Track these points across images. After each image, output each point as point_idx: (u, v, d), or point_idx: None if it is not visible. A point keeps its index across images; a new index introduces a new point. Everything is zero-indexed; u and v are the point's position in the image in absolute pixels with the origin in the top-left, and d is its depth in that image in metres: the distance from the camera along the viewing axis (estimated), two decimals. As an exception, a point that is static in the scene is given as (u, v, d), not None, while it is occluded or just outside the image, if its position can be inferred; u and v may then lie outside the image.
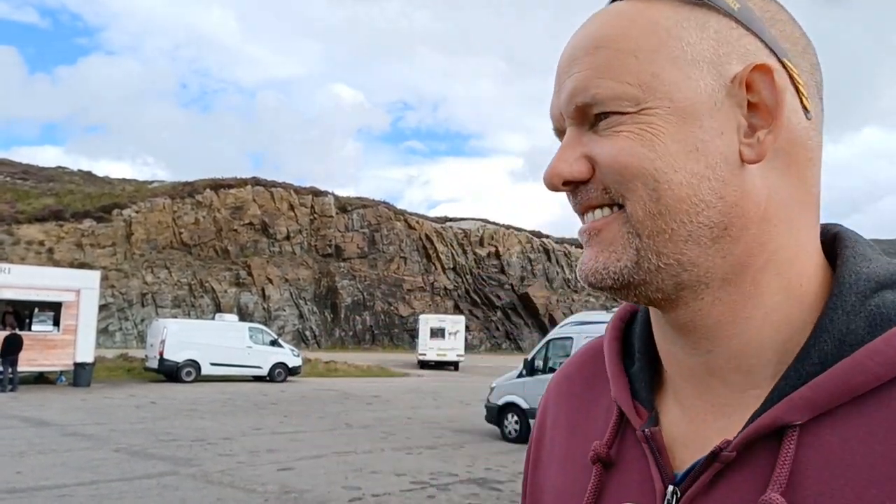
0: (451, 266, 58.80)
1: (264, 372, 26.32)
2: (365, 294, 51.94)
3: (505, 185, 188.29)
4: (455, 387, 28.13)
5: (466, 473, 11.30)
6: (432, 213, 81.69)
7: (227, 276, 45.54)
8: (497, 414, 15.32)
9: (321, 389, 24.45)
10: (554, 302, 63.74)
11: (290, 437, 14.19)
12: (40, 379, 22.24)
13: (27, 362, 20.48)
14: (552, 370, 14.46)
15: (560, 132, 0.66)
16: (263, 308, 45.98)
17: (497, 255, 62.11)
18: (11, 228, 38.87)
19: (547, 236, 68.87)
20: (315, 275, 50.51)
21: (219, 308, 42.28)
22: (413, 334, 53.79)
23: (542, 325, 61.65)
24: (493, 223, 65.93)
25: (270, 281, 47.11)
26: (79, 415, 15.90)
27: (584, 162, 0.62)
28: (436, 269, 57.63)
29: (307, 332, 48.18)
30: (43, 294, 21.68)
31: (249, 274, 46.41)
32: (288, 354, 27.37)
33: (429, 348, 38.70)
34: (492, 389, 15.81)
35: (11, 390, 19.36)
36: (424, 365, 38.21)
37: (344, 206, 55.12)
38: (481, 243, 62.26)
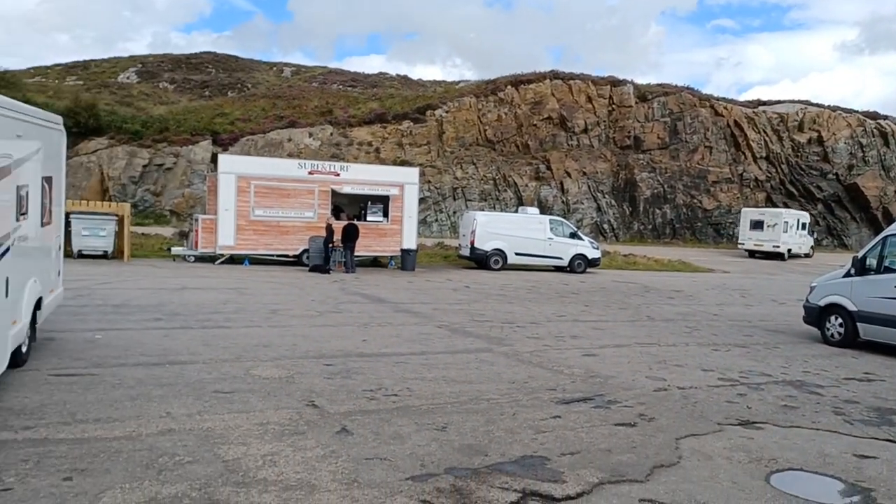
0: (764, 155, 53.70)
1: (564, 263, 27.16)
2: (665, 186, 50.01)
3: (832, 62, 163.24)
4: (765, 284, 26.33)
5: (782, 375, 10.72)
6: (742, 98, 74.62)
7: (527, 171, 46.98)
8: (818, 315, 14.11)
9: (621, 282, 24.59)
10: (891, 194, 55.32)
11: (593, 325, 14.65)
12: (374, 263, 25.58)
13: (364, 248, 23.64)
14: (889, 270, 12.79)
15: None
16: (562, 201, 46.84)
17: (819, 140, 55.14)
18: (346, 131, 44.17)
19: (884, 117, 59.03)
20: (613, 167, 49.76)
21: (520, 201, 44.08)
22: (718, 229, 50.97)
23: (874, 219, 54.15)
24: (816, 105, 58.23)
25: (569, 174, 47.59)
26: (407, 294, 18.06)
27: None
28: (745, 158, 53.12)
29: (605, 226, 48.21)
30: (374, 189, 24.59)
31: (548, 168, 47.31)
32: (587, 247, 27.82)
33: (747, 238, 42.69)
34: (812, 289, 14.53)
35: (353, 272, 22.60)
36: (753, 254, 42.37)
37: (644, 94, 52.75)
38: (800, 128, 55.64)
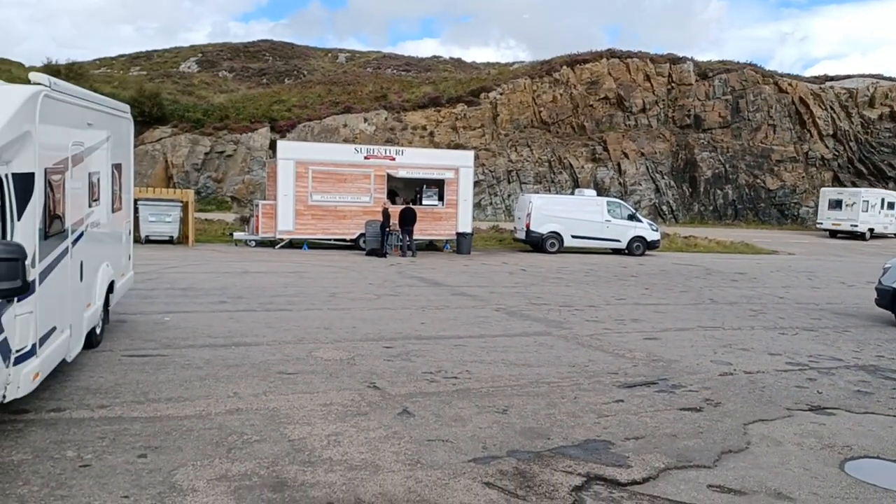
0: (831, 132, 51.62)
1: (623, 245, 26.74)
2: (727, 166, 48.63)
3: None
4: (832, 266, 25.41)
5: (854, 359, 10.34)
6: (808, 74, 71.78)
7: (583, 152, 46.32)
8: (891, 298, 13.54)
9: (681, 264, 24.09)
10: (969, 171, 52.62)
11: (653, 308, 14.39)
12: (430, 246, 25.66)
13: (419, 232, 23.71)
14: (970, 251, 12.17)
15: None
16: (619, 183, 46.05)
17: (892, 116, 52.70)
18: (400, 115, 44.30)
19: (964, 90, 55.99)
20: (672, 147, 48.61)
21: (576, 184, 43.50)
22: (782, 209, 49.38)
23: (952, 198, 51.53)
24: (889, 79, 55.63)
25: (626, 155, 46.71)
26: (463, 277, 18.07)
27: None
28: (811, 136, 51.18)
29: (664, 207, 47.21)
30: (429, 172, 24.62)
31: (605, 149, 46.52)
32: (646, 228, 27.31)
33: (826, 218, 42.64)
34: (885, 270, 13.94)
35: (411, 256, 22.73)
36: (833, 234, 42.28)
37: (704, 72, 51.27)
38: (871, 104, 53.26)
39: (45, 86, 6.31)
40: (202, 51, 64.76)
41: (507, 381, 8.26)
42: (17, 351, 5.66)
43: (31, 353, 5.89)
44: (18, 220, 5.68)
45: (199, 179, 38.82)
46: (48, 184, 6.28)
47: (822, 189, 44.89)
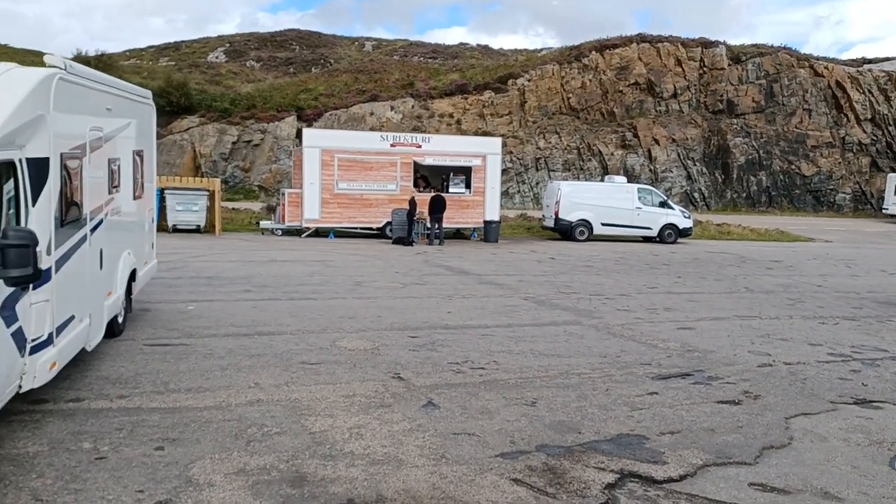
0: (869, 116, 50.13)
1: (654, 233, 26.21)
2: (761, 152, 47.52)
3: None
4: (872, 254, 24.63)
5: (899, 350, 9.88)
6: (844, 57, 69.78)
7: (613, 139, 45.59)
8: (937, 286, 12.99)
9: (714, 252, 23.53)
10: None
11: (687, 297, 13.99)
12: (457, 235, 25.39)
13: (446, 220, 23.44)
14: None
15: None
16: (650, 170, 45.25)
17: (934, 100, 51.09)
18: (427, 103, 43.97)
19: None
20: (704, 133, 47.63)
21: (606, 171, 42.84)
22: (818, 196, 48.19)
23: None
24: (930, 61, 53.88)
25: (657, 142, 45.88)
26: (491, 266, 17.79)
27: None
28: (847, 121, 49.75)
29: (695, 194, 46.32)
30: (456, 160, 24.31)
31: (635, 135, 45.72)
32: (678, 216, 26.73)
33: (892, 203, 42.62)
34: (931, 258, 13.37)
35: (439, 244, 22.49)
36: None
37: (737, 56, 50.07)
38: (912, 87, 51.64)
39: (61, 68, 6.14)
40: (230, 41, 64.99)
41: (535, 372, 7.99)
42: (33, 340, 5.53)
43: (48, 342, 5.77)
44: (33, 206, 5.54)
45: (226, 169, 38.95)
46: (64, 170, 6.14)
47: (890, 175, 44.48)
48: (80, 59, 41.02)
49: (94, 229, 7.14)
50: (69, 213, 6.29)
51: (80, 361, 7.26)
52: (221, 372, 7.47)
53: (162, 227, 22.18)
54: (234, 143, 39.86)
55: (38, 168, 5.60)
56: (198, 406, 6.39)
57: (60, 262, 6.05)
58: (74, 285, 6.48)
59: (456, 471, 5.21)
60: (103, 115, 7.55)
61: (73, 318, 6.42)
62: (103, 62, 41.18)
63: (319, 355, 8.34)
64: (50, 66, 6.11)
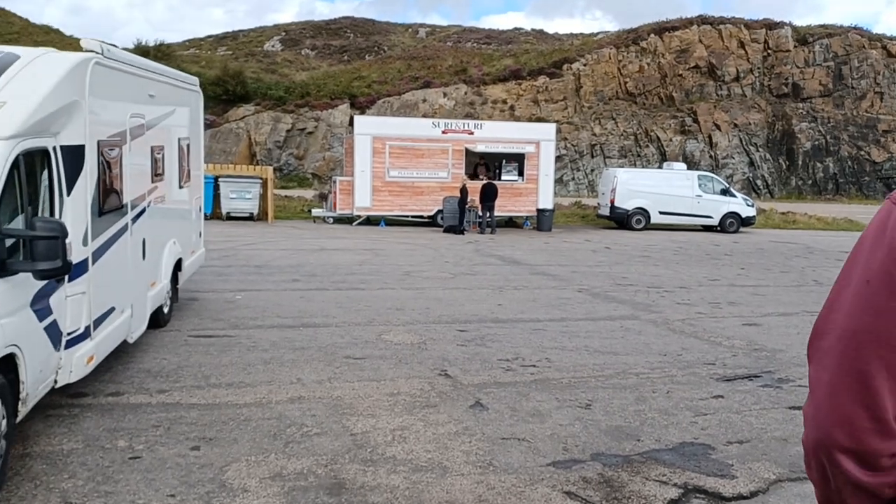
0: (947, 99, 47.57)
1: (715, 222, 25.24)
2: (828, 137, 45.50)
3: None
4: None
5: None
6: (921, 36, 65.98)
7: (671, 124, 44.26)
8: None
9: (779, 242, 22.50)
10: None
11: (752, 290, 13.28)
12: (509, 223, 24.91)
13: (498, 208, 22.97)
14: None
15: None
16: (710, 156, 43.80)
17: None
18: (480, 89, 43.41)
19: None
20: (768, 118, 45.83)
21: (664, 157, 41.62)
22: (889, 183, 45.92)
23: None
24: None
25: (718, 127, 44.35)
26: (544, 256, 17.31)
27: None
28: (924, 104, 47.32)
29: (758, 181, 44.67)
30: (509, 147, 23.79)
31: (695, 121, 44.29)
32: (741, 204, 25.68)
33: None
34: None
35: (491, 233, 22.07)
36: None
37: (804, 37, 47.95)
38: None
39: (97, 53, 5.95)
40: (286, 30, 65.49)
41: (590, 371, 7.56)
42: (69, 334, 5.38)
43: (85, 335, 5.61)
44: (68, 195, 5.37)
45: (280, 156, 39.21)
46: (102, 158, 5.96)
47: None
48: (140, 48, 41.79)
49: (135, 218, 6.99)
50: (108, 203, 6.13)
51: (123, 353, 7.14)
52: (264, 366, 7.26)
53: (216, 214, 22.39)
54: (288, 130, 40.08)
55: (73, 156, 5.43)
56: (237, 402, 6.18)
57: (98, 253, 5.89)
58: (114, 276, 6.33)
59: (504, 481, 4.86)
60: (145, 102, 7.39)
61: (112, 309, 6.28)
62: (162, 51, 41.86)
63: (364, 349, 8.07)
64: (86, 51, 5.93)
